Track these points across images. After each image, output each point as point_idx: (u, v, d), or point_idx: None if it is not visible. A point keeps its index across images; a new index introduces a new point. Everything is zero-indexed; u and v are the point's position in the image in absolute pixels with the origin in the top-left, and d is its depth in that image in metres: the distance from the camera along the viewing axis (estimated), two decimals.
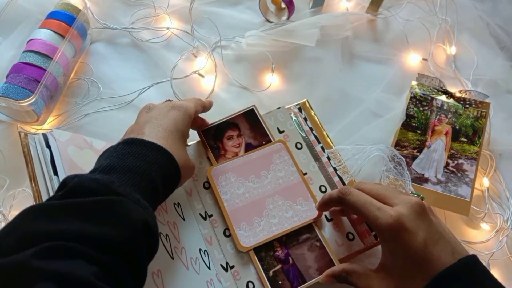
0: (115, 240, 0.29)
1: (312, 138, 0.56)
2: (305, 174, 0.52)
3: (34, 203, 0.40)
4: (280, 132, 0.55)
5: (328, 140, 0.56)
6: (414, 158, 0.58)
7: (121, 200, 0.31)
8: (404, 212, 0.38)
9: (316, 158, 0.54)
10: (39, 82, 0.55)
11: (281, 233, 0.48)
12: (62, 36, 0.59)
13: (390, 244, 0.40)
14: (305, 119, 0.57)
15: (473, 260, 0.37)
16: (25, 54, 0.57)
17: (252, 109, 0.55)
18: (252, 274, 0.46)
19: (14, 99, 0.53)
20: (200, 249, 0.47)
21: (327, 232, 0.49)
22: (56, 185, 0.40)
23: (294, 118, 0.56)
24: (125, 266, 0.30)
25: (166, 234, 0.45)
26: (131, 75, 0.64)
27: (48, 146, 0.43)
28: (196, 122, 0.52)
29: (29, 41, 0.59)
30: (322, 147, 0.55)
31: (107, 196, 0.31)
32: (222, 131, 0.54)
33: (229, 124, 0.54)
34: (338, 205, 0.48)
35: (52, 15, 0.61)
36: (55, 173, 0.41)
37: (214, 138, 0.53)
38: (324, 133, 0.57)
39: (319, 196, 0.49)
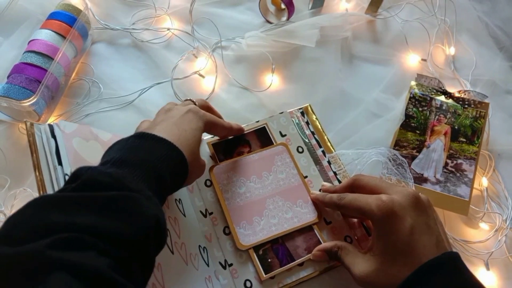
0: (128, 235, 0.30)
1: (313, 142, 0.56)
2: (306, 177, 0.53)
3: (38, 192, 0.40)
4: (282, 135, 0.55)
5: (329, 144, 0.57)
6: (413, 158, 0.58)
7: (134, 196, 0.32)
8: (396, 198, 0.40)
9: (317, 162, 0.54)
10: (40, 82, 0.55)
11: (281, 233, 0.48)
12: (63, 37, 0.60)
13: (378, 227, 0.41)
14: (307, 123, 0.58)
15: (455, 256, 0.39)
16: (26, 54, 0.57)
17: (264, 127, 0.56)
18: (250, 273, 0.46)
19: (15, 99, 0.53)
20: (199, 246, 0.47)
21: (325, 235, 0.49)
22: (60, 176, 0.40)
23: (296, 121, 0.57)
24: (135, 260, 0.30)
25: (167, 229, 0.45)
26: (131, 75, 0.64)
27: (54, 136, 0.44)
28: (217, 131, 0.50)
29: (30, 41, 0.59)
30: (323, 151, 0.56)
31: (120, 191, 0.31)
32: (233, 147, 0.54)
33: (240, 140, 0.54)
34: (335, 209, 0.49)
35: (53, 16, 0.61)
36: (60, 163, 0.42)
37: (225, 153, 0.53)
38: (325, 137, 0.57)
39: None
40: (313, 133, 0.57)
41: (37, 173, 0.40)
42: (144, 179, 0.34)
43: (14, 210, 0.51)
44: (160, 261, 0.42)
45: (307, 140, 0.56)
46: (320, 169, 0.54)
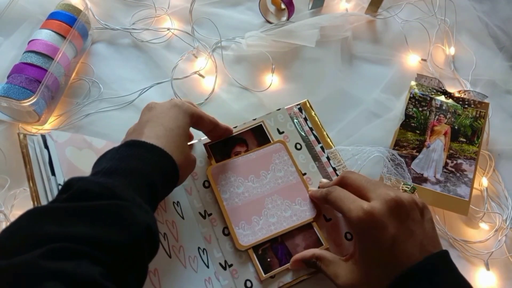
0: (119, 243, 0.30)
1: (312, 138, 0.56)
2: (304, 174, 0.53)
3: (32, 203, 0.40)
4: (280, 133, 0.55)
5: (328, 140, 0.56)
6: (413, 158, 0.58)
7: (125, 205, 0.32)
8: (377, 206, 0.39)
9: (316, 158, 0.54)
10: (40, 82, 0.55)
11: (280, 232, 0.48)
12: (63, 37, 0.60)
13: (360, 237, 0.40)
14: (305, 119, 0.57)
15: (437, 258, 0.37)
16: (26, 54, 0.57)
17: (261, 125, 0.55)
18: (251, 273, 0.46)
19: (15, 99, 0.53)
20: (199, 248, 0.47)
21: (325, 232, 0.49)
22: (54, 186, 0.41)
23: (294, 118, 0.57)
24: (127, 268, 0.30)
25: (164, 233, 0.45)
26: (132, 75, 0.64)
27: (47, 147, 0.44)
28: (204, 125, 0.48)
29: (30, 41, 0.59)
30: (321, 147, 0.55)
31: (111, 201, 0.32)
32: (230, 146, 0.54)
33: (237, 140, 0.54)
34: (325, 203, 0.48)
35: (53, 16, 0.61)
36: (53, 173, 0.42)
37: (222, 153, 0.53)
38: (324, 133, 0.57)
39: None
40: (311, 129, 0.57)
41: (31, 185, 0.41)
42: (135, 187, 0.34)
43: (14, 210, 0.52)
44: (157, 266, 0.42)
45: (305, 136, 0.56)
46: (319, 166, 0.54)
